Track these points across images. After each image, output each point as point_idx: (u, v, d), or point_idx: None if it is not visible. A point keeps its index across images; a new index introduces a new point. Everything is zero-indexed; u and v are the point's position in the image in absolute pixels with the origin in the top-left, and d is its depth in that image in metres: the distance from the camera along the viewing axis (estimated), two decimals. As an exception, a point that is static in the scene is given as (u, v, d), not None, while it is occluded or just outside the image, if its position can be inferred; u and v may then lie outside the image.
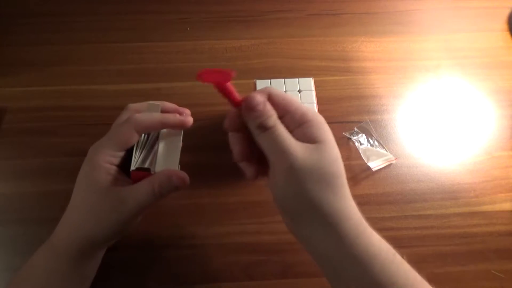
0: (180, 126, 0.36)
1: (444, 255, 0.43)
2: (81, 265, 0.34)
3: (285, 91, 0.42)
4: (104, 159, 0.33)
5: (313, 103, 0.42)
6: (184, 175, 0.35)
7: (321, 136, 0.29)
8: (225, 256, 0.42)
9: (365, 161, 0.47)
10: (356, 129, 0.49)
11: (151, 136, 0.36)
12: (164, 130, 0.36)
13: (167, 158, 0.35)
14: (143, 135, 0.36)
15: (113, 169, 0.34)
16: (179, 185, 0.35)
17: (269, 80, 0.43)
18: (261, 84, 0.42)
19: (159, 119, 0.35)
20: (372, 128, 0.49)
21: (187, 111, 0.39)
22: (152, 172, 0.34)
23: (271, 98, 0.30)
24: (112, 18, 0.56)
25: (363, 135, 0.48)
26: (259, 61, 0.54)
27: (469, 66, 0.55)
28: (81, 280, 0.35)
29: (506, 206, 0.46)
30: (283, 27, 0.57)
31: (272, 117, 0.29)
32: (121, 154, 0.34)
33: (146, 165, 0.35)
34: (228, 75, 0.28)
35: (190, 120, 0.37)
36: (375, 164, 0.46)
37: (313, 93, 0.42)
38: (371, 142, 0.48)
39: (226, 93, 0.29)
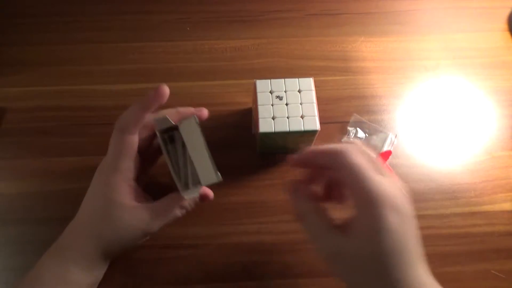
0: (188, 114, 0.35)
1: (444, 255, 0.43)
2: (91, 273, 0.34)
3: (285, 91, 0.42)
4: (121, 176, 0.33)
5: (313, 103, 0.42)
6: (210, 192, 0.36)
7: (366, 231, 0.26)
8: (225, 256, 0.42)
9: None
10: (349, 128, 0.49)
11: (179, 149, 0.35)
12: (185, 136, 0.34)
13: (203, 165, 0.33)
14: (165, 152, 0.35)
15: (132, 184, 0.34)
16: (206, 200, 0.35)
17: (269, 80, 0.42)
18: (261, 84, 0.42)
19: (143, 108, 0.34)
20: (360, 117, 0.49)
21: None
22: (195, 192, 0.34)
23: (342, 170, 0.28)
24: (112, 18, 0.56)
25: (357, 129, 0.49)
26: (259, 61, 0.54)
27: (469, 66, 0.55)
28: (90, 286, 0.36)
29: (506, 206, 0.46)
30: (283, 27, 0.57)
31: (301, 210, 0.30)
32: (133, 164, 0.34)
33: (199, 183, 0.34)
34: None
35: (205, 113, 0.36)
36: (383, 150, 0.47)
37: (313, 93, 0.42)
38: (368, 130, 0.49)
39: None
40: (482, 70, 0.54)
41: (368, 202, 0.26)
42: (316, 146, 0.31)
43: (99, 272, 0.37)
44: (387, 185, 0.26)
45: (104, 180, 0.34)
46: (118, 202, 0.33)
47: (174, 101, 0.52)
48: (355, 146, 0.29)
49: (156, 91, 0.33)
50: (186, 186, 0.34)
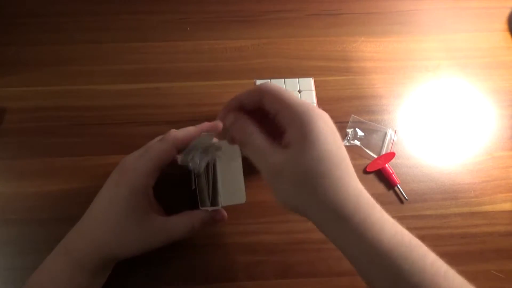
0: (212, 129, 0.36)
1: (444, 255, 0.43)
2: (96, 276, 0.34)
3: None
4: (144, 183, 0.33)
5: (313, 103, 0.42)
6: (224, 213, 0.36)
7: (300, 136, 0.27)
8: (225, 256, 0.42)
9: (374, 155, 0.47)
10: (347, 130, 0.49)
11: (210, 167, 0.35)
12: (224, 156, 0.35)
13: (235, 185, 0.34)
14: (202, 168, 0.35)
15: (150, 193, 0.34)
16: (219, 222, 0.35)
17: (269, 80, 0.43)
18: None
19: (194, 129, 0.35)
20: (358, 117, 0.49)
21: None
22: (220, 206, 0.35)
23: (266, 96, 0.30)
24: (112, 18, 0.56)
25: (356, 129, 0.49)
26: (259, 61, 0.54)
27: (469, 66, 0.55)
28: (97, 287, 0.36)
29: (506, 206, 0.46)
30: (283, 27, 0.57)
31: (243, 135, 0.30)
32: (158, 174, 0.34)
33: (218, 203, 0.34)
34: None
35: (220, 125, 0.37)
36: (385, 150, 0.47)
37: (313, 93, 0.42)
38: (367, 130, 0.49)
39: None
40: (482, 70, 0.54)
41: (298, 113, 0.28)
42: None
43: (103, 276, 0.36)
44: (312, 105, 0.29)
45: (124, 182, 0.33)
46: (137, 211, 0.32)
47: (174, 101, 0.52)
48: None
49: (213, 126, 0.36)
50: (206, 203, 0.34)
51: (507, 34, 0.57)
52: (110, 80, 0.51)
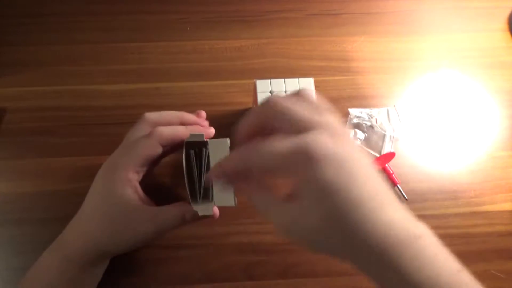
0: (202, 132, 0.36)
1: (444, 255, 0.43)
2: (88, 271, 0.35)
3: (285, 91, 0.42)
4: (129, 176, 0.33)
5: (313, 103, 0.42)
6: (217, 211, 0.36)
7: (296, 190, 0.24)
8: (225, 256, 0.42)
9: (376, 154, 0.47)
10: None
11: (203, 162, 0.35)
12: (212, 154, 0.34)
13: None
14: (193, 161, 0.34)
15: (139, 188, 0.34)
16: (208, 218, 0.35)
17: (269, 80, 0.42)
18: (261, 84, 0.42)
19: (183, 130, 0.35)
20: (354, 110, 0.49)
21: (206, 123, 0.39)
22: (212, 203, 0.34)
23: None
24: (113, 18, 0.56)
25: (355, 130, 0.49)
26: (259, 61, 0.54)
27: (469, 66, 0.55)
28: (90, 283, 0.36)
29: (506, 206, 0.46)
30: (283, 27, 0.57)
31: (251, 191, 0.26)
32: (145, 169, 0.34)
33: (210, 200, 0.34)
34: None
35: (212, 132, 0.37)
36: (385, 150, 0.47)
37: (313, 93, 0.42)
38: (365, 129, 0.49)
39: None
40: (482, 70, 0.54)
41: (299, 164, 0.23)
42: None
43: (99, 271, 0.37)
44: (314, 138, 0.23)
45: (111, 176, 0.33)
46: (124, 202, 0.32)
47: (174, 101, 0.52)
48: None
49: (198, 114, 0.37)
50: (197, 200, 0.34)
51: (507, 34, 0.57)
52: (110, 80, 0.51)
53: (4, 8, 0.56)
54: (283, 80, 0.43)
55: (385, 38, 0.56)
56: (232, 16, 0.57)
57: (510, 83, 0.53)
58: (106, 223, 0.33)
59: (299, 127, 0.24)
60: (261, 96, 0.42)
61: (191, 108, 0.50)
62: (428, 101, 0.52)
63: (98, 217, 0.33)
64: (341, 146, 0.23)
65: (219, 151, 0.33)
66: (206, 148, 0.34)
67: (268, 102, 0.26)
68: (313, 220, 0.23)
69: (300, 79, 0.43)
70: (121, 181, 0.32)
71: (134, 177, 0.33)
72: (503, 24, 0.58)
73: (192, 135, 0.34)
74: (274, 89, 0.42)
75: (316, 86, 0.43)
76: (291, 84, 0.43)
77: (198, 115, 0.39)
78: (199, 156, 0.34)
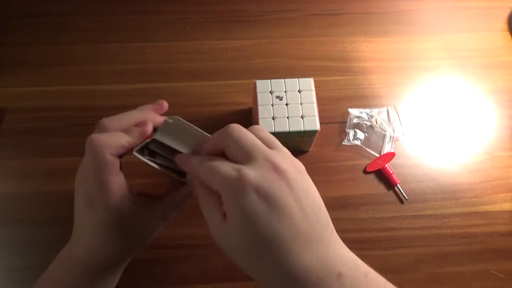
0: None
1: (444, 255, 0.43)
2: (99, 278, 0.33)
3: (285, 91, 0.42)
4: (115, 183, 0.30)
5: (313, 103, 0.42)
6: (187, 191, 0.34)
7: (227, 211, 0.25)
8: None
9: (376, 154, 0.47)
10: (347, 130, 0.49)
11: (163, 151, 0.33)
12: (165, 137, 0.32)
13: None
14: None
15: (125, 189, 0.31)
16: (185, 201, 0.35)
17: (269, 80, 0.42)
18: (261, 84, 0.42)
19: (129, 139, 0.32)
20: (354, 110, 0.49)
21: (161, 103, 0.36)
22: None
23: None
24: (113, 18, 0.56)
25: (355, 130, 0.49)
26: (259, 61, 0.54)
27: (469, 66, 0.55)
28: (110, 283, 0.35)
29: (506, 206, 0.46)
30: (283, 27, 0.57)
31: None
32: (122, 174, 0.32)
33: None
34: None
35: (158, 118, 0.34)
36: (385, 150, 0.48)
37: (313, 93, 0.42)
38: (365, 129, 0.49)
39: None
40: (482, 70, 0.54)
41: (228, 193, 0.25)
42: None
43: (108, 278, 0.35)
44: (252, 172, 0.24)
45: (100, 194, 0.30)
46: (111, 207, 0.30)
47: (174, 101, 0.52)
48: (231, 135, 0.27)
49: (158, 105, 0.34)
50: (184, 176, 0.33)
51: (507, 34, 0.57)
52: (110, 80, 0.51)
53: (3, 8, 0.56)
54: (283, 80, 0.43)
55: (386, 38, 0.56)
56: (232, 16, 0.57)
57: (510, 83, 0.54)
58: (99, 236, 0.31)
59: (245, 157, 0.25)
60: (261, 96, 0.42)
61: (191, 108, 0.50)
62: (428, 101, 0.52)
63: (88, 228, 0.31)
64: (276, 181, 0.24)
65: (171, 132, 0.32)
66: (157, 142, 0.32)
67: (226, 129, 0.27)
68: (235, 241, 0.25)
69: (300, 79, 0.43)
70: (113, 194, 0.30)
71: (121, 183, 0.31)
72: (503, 24, 0.58)
73: (137, 149, 0.32)
74: (274, 89, 0.42)
75: (316, 86, 0.43)
76: (291, 84, 0.43)
77: (160, 107, 0.36)
78: (156, 151, 0.33)
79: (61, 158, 0.46)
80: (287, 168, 0.25)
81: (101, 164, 0.30)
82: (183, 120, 0.32)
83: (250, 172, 0.24)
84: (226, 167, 0.25)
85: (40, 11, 0.56)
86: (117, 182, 0.30)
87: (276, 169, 0.25)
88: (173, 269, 0.41)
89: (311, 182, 0.27)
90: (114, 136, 0.31)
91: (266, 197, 0.24)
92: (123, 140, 0.31)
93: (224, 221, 0.25)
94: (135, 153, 0.32)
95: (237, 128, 0.27)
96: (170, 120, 0.32)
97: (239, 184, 0.24)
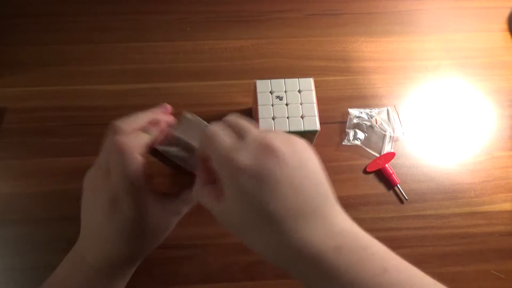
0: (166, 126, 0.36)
1: (444, 255, 0.43)
2: (114, 279, 0.33)
3: (285, 91, 0.42)
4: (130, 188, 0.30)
5: (313, 103, 0.42)
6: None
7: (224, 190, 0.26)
8: (225, 256, 0.42)
9: (376, 154, 0.47)
10: (347, 130, 0.49)
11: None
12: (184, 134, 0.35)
13: None
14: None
15: (148, 186, 0.31)
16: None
17: (269, 80, 0.42)
18: (261, 84, 0.42)
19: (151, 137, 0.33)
20: (354, 110, 0.49)
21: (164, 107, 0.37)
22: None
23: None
24: (112, 18, 0.56)
25: (355, 130, 0.49)
26: (259, 61, 0.54)
27: (469, 66, 0.55)
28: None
29: (506, 206, 0.46)
30: (283, 27, 0.57)
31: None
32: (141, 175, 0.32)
33: None
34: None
35: (169, 119, 0.36)
36: (385, 150, 0.48)
37: (313, 93, 0.42)
38: (365, 129, 0.49)
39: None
40: (482, 70, 0.54)
41: (221, 174, 0.26)
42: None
43: (125, 280, 0.35)
44: (239, 154, 0.26)
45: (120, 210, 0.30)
46: (124, 213, 0.30)
47: (174, 101, 0.52)
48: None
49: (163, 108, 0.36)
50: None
51: (507, 34, 0.57)
52: (110, 80, 0.51)
53: (3, 8, 0.56)
54: (283, 80, 0.43)
55: (385, 38, 0.56)
56: (232, 16, 0.57)
57: (509, 83, 0.54)
58: (112, 237, 0.31)
59: (238, 138, 0.28)
60: (261, 96, 0.42)
61: (191, 108, 0.50)
62: (428, 101, 0.52)
63: (101, 230, 0.31)
64: (266, 161, 0.25)
65: (187, 128, 0.35)
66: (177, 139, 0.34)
67: (207, 131, 0.29)
68: (236, 220, 0.26)
69: (300, 79, 0.43)
70: (130, 211, 0.30)
71: (145, 177, 0.31)
72: (503, 24, 0.58)
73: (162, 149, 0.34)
74: (274, 89, 0.42)
75: (316, 86, 0.43)
76: (291, 84, 0.43)
77: (165, 109, 0.37)
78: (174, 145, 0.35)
79: (61, 158, 0.46)
80: (278, 146, 0.26)
81: (132, 165, 0.30)
82: (197, 116, 0.33)
83: (242, 154, 0.25)
84: (223, 145, 0.27)
85: (40, 11, 0.56)
86: (144, 180, 0.31)
87: (266, 148, 0.26)
88: (173, 269, 0.41)
89: (310, 156, 0.28)
90: (138, 137, 0.32)
91: (257, 177, 0.25)
92: (146, 139, 0.32)
93: (222, 203, 0.27)
94: (160, 149, 0.33)
95: (230, 115, 0.30)
96: (188, 115, 0.33)
97: (232, 167, 0.25)
